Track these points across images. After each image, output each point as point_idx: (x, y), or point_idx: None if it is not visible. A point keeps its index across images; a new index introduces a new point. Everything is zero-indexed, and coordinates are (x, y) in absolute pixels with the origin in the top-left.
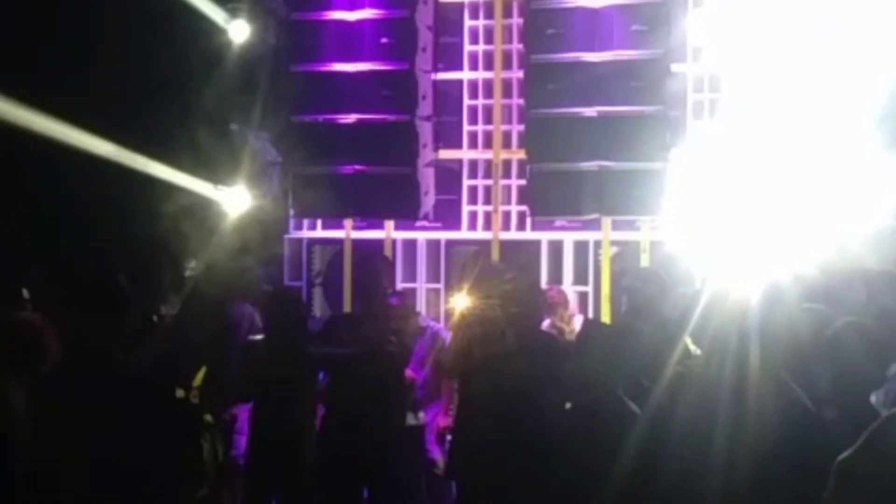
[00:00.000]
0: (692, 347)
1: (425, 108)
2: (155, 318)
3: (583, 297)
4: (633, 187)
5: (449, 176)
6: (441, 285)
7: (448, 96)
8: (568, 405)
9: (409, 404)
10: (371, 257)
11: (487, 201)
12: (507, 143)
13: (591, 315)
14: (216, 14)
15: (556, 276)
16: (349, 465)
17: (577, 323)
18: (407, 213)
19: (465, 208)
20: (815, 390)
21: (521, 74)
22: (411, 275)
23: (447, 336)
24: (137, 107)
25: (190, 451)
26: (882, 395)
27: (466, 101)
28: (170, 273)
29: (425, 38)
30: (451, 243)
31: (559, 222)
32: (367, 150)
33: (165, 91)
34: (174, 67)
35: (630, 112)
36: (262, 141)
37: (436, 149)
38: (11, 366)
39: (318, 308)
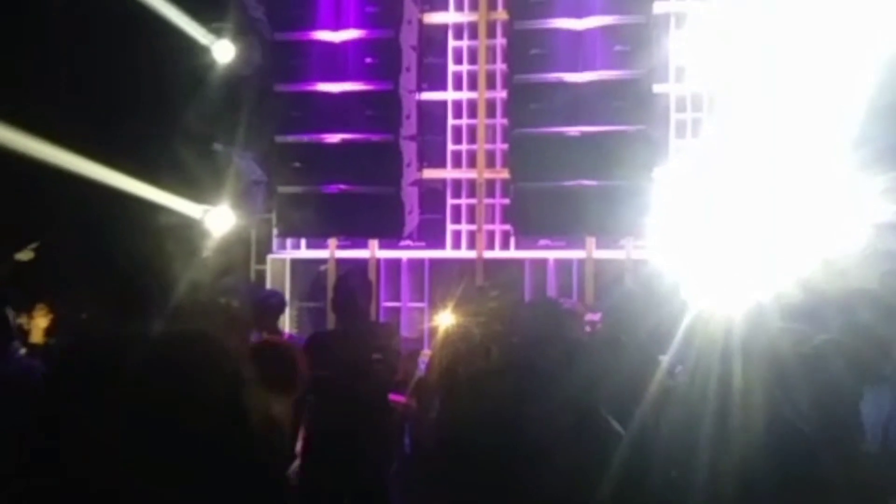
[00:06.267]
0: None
1: (409, 127)
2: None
3: None
4: (617, 206)
5: (433, 195)
6: (425, 304)
7: (432, 116)
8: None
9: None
10: (346, 275)
11: (471, 220)
12: (490, 163)
13: None
14: (201, 34)
15: (538, 295)
16: (334, 487)
17: None
18: (391, 233)
19: (449, 227)
20: (796, 407)
21: (504, 94)
22: (395, 294)
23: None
24: (122, 126)
25: None
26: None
27: (450, 121)
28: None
29: (409, 58)
30: (435, 262)
31: (543, 241)
32: (352, 169)
33: (150, 110)
34: (159, 87)
35: (613, 132)
36: (246, 160)
37: (420, 168)
38: (273, 387)
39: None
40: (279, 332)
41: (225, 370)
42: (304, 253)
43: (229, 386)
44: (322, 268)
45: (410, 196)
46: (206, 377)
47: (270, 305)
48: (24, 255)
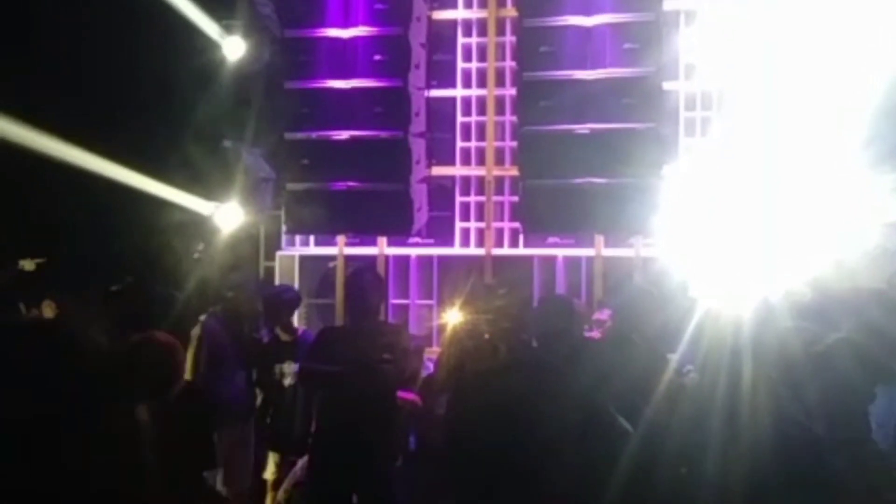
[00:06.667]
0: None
1: (418, 124)
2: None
3: None
4: (626, 204)
5: (442, 192)
6: (433, 301)
7: (441, 113)
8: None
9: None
10: (359, 271)
11: (480, 218)
12: (499, 160)
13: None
14: (211, 31)
15: (548, 293)
16: (341, 484)
17: None
18: (400, 230)
19: (458, 225)
20: (805, 406)
21: (513, 92)
22: (404, 291)
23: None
24: (131, 122)
25: None
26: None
27: (459, 118)
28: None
29: (418, 55)
30: (443, 260)
31: (551, 239)
32: (361, 166)
33: (160, 107)
34: (169, 83)
35: (622, 129)
36: (255, 157)
37: (429, 165)
38: (139, 389)
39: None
40: (293, 328)
41: (72, 368)
42: (313, 250)
43: (72, 383)
44: (331, 265)
45: (419, 193)
46: (46, 372)
47: (285, 300)
48: (28, 265)
